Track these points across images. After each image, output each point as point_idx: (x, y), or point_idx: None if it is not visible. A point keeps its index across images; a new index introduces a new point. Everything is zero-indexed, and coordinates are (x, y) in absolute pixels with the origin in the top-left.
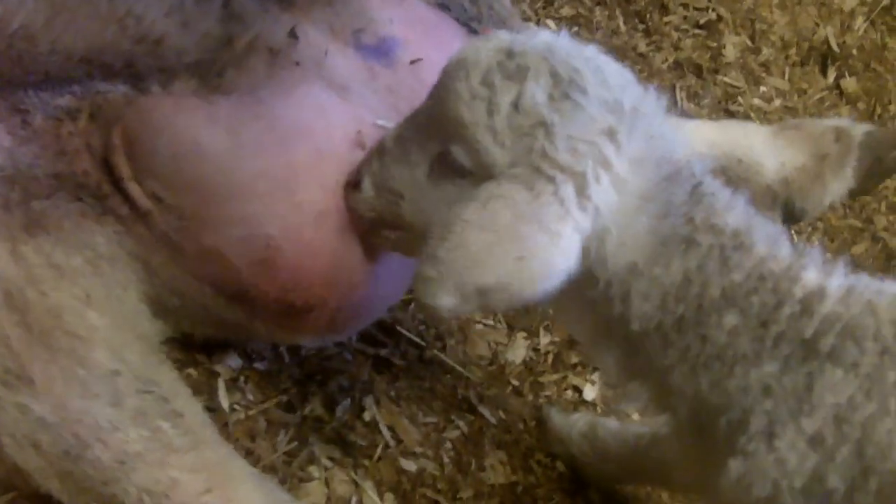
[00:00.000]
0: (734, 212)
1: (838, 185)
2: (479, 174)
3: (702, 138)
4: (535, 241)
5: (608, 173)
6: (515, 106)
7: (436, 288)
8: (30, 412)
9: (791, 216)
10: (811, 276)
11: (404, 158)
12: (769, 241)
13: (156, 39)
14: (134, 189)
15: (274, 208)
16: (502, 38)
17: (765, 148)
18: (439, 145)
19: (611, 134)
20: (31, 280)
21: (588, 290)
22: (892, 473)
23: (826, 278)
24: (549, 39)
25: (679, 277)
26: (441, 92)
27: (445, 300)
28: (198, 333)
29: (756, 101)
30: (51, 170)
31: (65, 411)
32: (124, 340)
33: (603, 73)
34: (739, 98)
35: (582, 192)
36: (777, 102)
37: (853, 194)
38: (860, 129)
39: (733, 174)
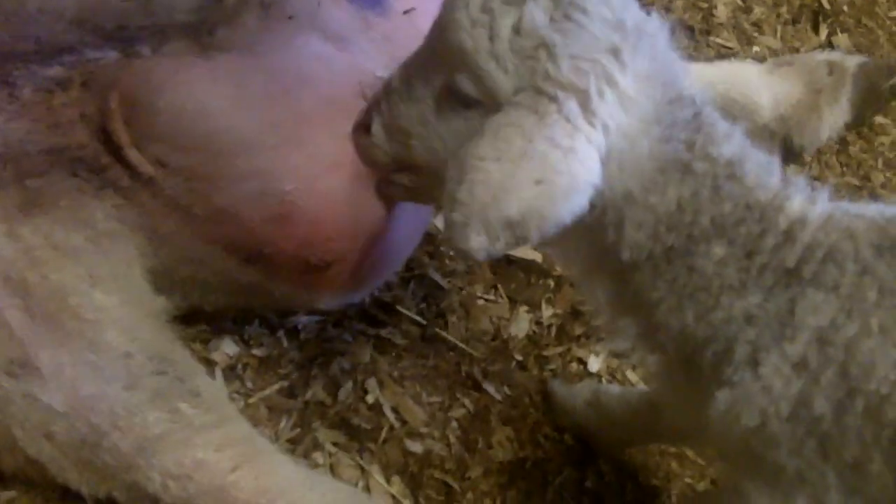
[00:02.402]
0: (730, 141)
1: (835, 118)
2: (485, 103)
3: (695, 79)
4: (551, 160)
5: (613, 90)
6: (516, 29)
7: (464, 230)
8: (39, 402)
9: (790, 153)
10: (795, 205)
11: (411, 95)
12: (759, 170)
13: None
14: (135, 155)
15: (286, 161)
16: None
17: (759, 85)
18: (444, 77)
19: (614, 52)
20: (31, 262)
21: (582, 218)
22: (877, 393)
23: (809, 206)
24: None
25: (673, 206)
26: (442, 23)
27: (476, 241)
28: (208, 305)
29: (750, 61)
30: (44, 144)
31: (77, 399)
32: (134, 320)
33: None
34: (732, 59)
35: (586, 107)
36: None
37: (850, 126)
38: (853, 61)
39: (729, 114)
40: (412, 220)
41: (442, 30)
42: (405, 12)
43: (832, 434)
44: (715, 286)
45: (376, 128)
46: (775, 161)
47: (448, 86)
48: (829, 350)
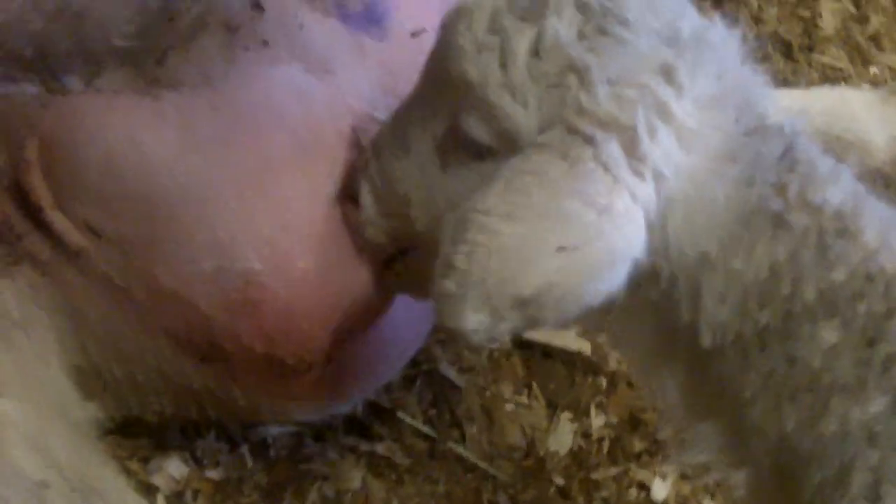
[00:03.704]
0: (837, 185)
1: None
2: (501, 149)
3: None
4: (581, 222)
5: (668, 124)
6: (535, 51)
7: (458, 305)
8: None
9: None
10: None
11: (405, 149)
12: (881, 227)
13: (76, 12)
14: (59, 220)
15: (251, 229)
16: None
17: (871, 119)
18: (446, 120)
19: (667, 72)
20: None
21: (645, 290)
22: None
23: None
24: None
25: (764, 272)
26: (441, 51)
27: (473, 320)
28: (151, 415)
29: (865, 87)
30: None
31: None
32: (52, 436)
33: None
34: (843, 83)
35: (632, 151)
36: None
37: None
38: None
39: (832, 155)
40: (419, 306)
41: (441, 59)
42: (413, 34)
43: None
44: (824, 384)
45: (365, 197)
46: None
47: (453, 131)
48: None
